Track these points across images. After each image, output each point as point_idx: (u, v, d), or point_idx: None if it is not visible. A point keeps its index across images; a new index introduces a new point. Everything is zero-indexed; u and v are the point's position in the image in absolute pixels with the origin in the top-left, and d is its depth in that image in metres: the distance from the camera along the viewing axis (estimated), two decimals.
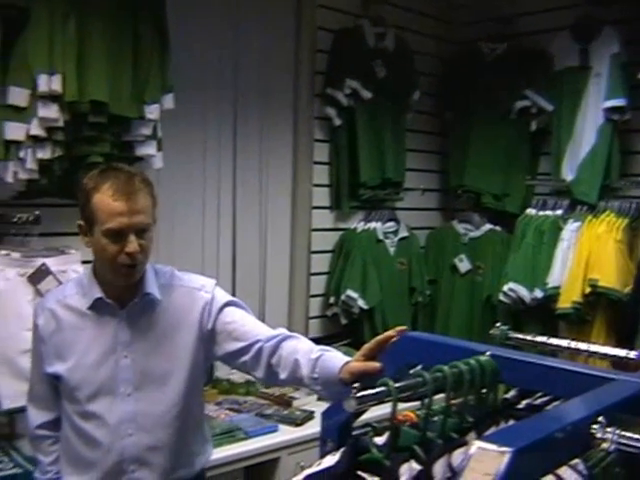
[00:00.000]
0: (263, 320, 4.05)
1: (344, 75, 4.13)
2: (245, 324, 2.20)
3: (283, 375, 2.08)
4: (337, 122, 4.20)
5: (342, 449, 1.47)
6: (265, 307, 4.08)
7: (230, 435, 3.13)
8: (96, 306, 2.17)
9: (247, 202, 3.98)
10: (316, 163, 4.24)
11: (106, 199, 2.03)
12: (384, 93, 4.29)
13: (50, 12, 2.78)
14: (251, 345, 2.13)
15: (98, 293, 2.16)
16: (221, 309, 2.21)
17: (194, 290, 2.23)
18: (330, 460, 1.52)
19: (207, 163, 3.78)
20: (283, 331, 2.15)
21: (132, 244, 2.04)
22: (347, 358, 1.92)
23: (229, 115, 3.87)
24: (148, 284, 2.17)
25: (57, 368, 2.20)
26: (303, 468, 1.60)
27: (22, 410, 2.79)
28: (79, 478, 2.24)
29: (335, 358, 1.94)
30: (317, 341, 4.05)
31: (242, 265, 3.98)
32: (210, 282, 2.28)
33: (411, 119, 4.58)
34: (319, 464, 1.54)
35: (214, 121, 3.80)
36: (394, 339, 1.80)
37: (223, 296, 2.25)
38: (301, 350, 2.04)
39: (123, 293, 2.17)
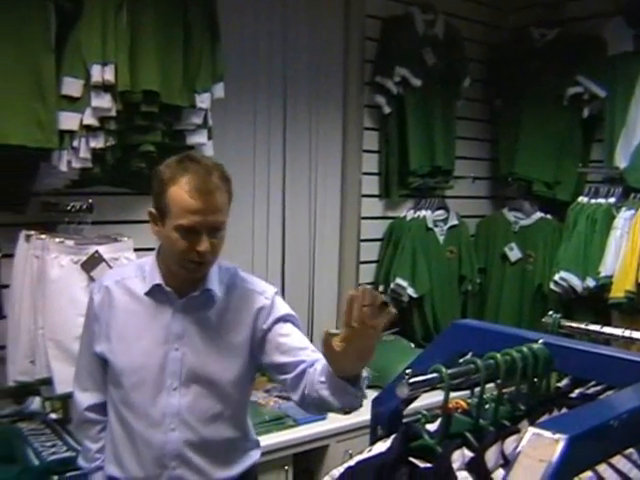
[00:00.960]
0: (312, 309, 4.15)
1: (394, 63, 4.12)
2: (295, 341, 2.14)
3: (315, 397, 2.02)
4: (387, 110, 4.20)
5: (393, 436, 1.47)
6: (314, 295, 4.09)
7: (279, 422, 3.17)
8: (154, 292, 2.14)
9: (296, 190, 4.00)
10: (365, 151, 4.24)
11: (182, 194, 1.97)
12: (434, 80, 4.27)
13: (103, 4, 2.82)
14: (296, 365, 2.08)
15: (158, 279, 2.13)
16: (277, 320, 2.16)
17: (255, 293, 2.19)
18: (381, 447, 1.52)
19: (257, 151, 3.80)
20: None
21: (204, 243, 1.99)
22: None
23: (279, 104, 3.89)
24: (210, 280, 2.13)
25: (105, 349, 2.18)
26: (351, 456, 1.59)
27: None
28: (120, 470, 2.21)
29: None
30: None
31: (291, 253, 4.00)
32: (271, 289, 2.23)
33: (461, 106, 4.55)
34: (369, 451, 1.55)
35: (264, 109, 3.82)
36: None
37: (282, 307, 2.20)
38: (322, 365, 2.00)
39: (184, 284, 2.13)
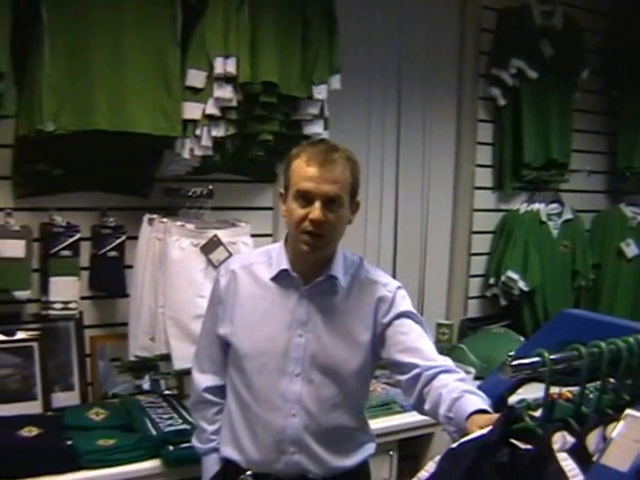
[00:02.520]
0: (422, 300, 4.18)
1: (510, 55, 4.10)
2: (414, 341, 2.15)
3: (427, 406, 2.04)
4: (502, 102, 4.18)
5: (498, 418, 1.52)
6: (425, 286, 4.13)
7: (386, 407, 3.22)
8: (280, 278, 2.19)
9: (409, 182, 4.04)
10: (479, 144, 4.24)
11: (301, 163, 2.08)
12: (551, 72, 4.22)
13: (226, 0, 2.94)
14: (411, 367, 2.09)
15: (285, 265, 2.18)
16: (398, 315, 2.18)
17: (378, 284, 2.21)
18: (483, 431, 1.57)
19: (371, 143, 3.86)
20: (445, 362, 2.11)
21: (316, 211, 2.04)
22: (481, 405, 1.82)
23: (393, 95, 3.93)
24: (335, 267, 2.17)
25: (228, 332, 2.25)
26: None
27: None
28: (238, 453, 2.26)
29: (471, 403, 1.85)
30: (475, 321, 4.13)
31: (403, 244, 4.05)
32: (394, 283, 2.25)
33: (578, 98, 4.48)
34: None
35: (379, 101, 3.88)
36: None
37: (404, 302, 2.22)
38: (448, 387, 1.97)
39: (309, 270, 2.18)
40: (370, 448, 2.35)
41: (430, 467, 1.61)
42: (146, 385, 3.18)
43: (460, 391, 1.92)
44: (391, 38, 3.87)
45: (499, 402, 1.83)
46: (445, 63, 4.09)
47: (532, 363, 1.37)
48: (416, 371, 2.08)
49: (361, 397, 2.30)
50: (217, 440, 2.35)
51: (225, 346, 2.29)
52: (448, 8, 4.07)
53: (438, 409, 1.95)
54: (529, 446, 1.41)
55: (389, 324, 2.17)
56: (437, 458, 1.61)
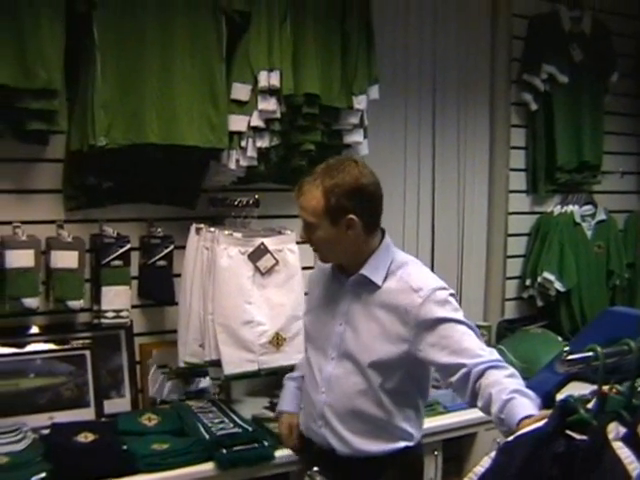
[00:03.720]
0: (460, 302, 4.18)
1: (541, 60, 4.17)
2: (457, 342, 2.20)
3: (479, 403, 2.11)
4: (534, 107, 4.25)
5: (551, 411, 1.58)
6: (462, 289, 4.19)
7: (430, 409, 3.25)
8: (335, 272, 2.46)
9: (445, 186, 4.11)
10: (513, 148, 4.31)
11: None
12: (581, 76, 4.29)
13: (269, 16, 3.04)
14: (458, 367, 2.15)
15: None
16: (434, 322, 2.23)
17: (409, 290, 2.29)
18: (536, 425, 1.63)
19: (407, 149, 3.94)
20: (492, 356, 2.17)
21: (301, 232, 2.41)
22: (531, 409, 1.91)
23: (428, 102, 4.01)
24: (367, 266, 2.35)
25: (305, 318, 2.62)
26: (499, 444, 1.71)
27: (241, 377, 3.09)
28: (302, 412, 2.59)
29: (522, 406, 1.93)
30: (512, 322, 4.16)
31: (440, 247, 4.11)
32: (430, 287, 2.28)
33: (609, 101, 4.53)
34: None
35: (414, 108, 3.96)
36: None
37: (438, 307, 2.25)
38: (498, 386, 2.04)
39: (348, 267, 2.41)
40: (398, 444, 2.40)
41: (485, 462, 1.66)
42: (203, 384, 3.28)
43: (510, 391, 1.99)
44: (426, 47, 3.95)
45: (547, 399, 1.89)
46: (478, 70, 4.16)
47: (585, 357, 1.44)
48: (464, 371, 2.14)
49: (392, 392, 2.35)
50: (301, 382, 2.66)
51: None
52: (480, 17, 4.14)
53: (490, 408, 2.04)
54: (584, 437, 1.47)
55: (424, 328, 2.24)
56: (492, 454, 1.66)
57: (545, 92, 4.23)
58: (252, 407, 3.23)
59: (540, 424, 1.59)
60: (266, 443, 2.79)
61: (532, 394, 2.00)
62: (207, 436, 2.79)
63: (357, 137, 3.32)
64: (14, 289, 2.80)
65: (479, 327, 3.89)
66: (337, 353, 2.39)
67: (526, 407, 1.93)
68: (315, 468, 1.87)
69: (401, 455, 2.40)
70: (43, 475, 2.46)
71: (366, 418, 2.36)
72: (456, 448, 3.38)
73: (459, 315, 2.28)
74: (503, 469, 1.58)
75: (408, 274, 2.34)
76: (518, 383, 2.06)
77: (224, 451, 2.71)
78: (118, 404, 3.13)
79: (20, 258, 2.80)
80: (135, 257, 3.18)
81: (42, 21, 2.65)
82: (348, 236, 2.30)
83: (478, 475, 1.65)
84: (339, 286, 2.43)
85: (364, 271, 2.35)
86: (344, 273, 2.42)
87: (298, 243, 3.12)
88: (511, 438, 1.66)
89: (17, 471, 2.46)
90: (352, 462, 2.38)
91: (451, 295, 2.32)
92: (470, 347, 2.19)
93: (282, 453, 2.82)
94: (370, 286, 2.35)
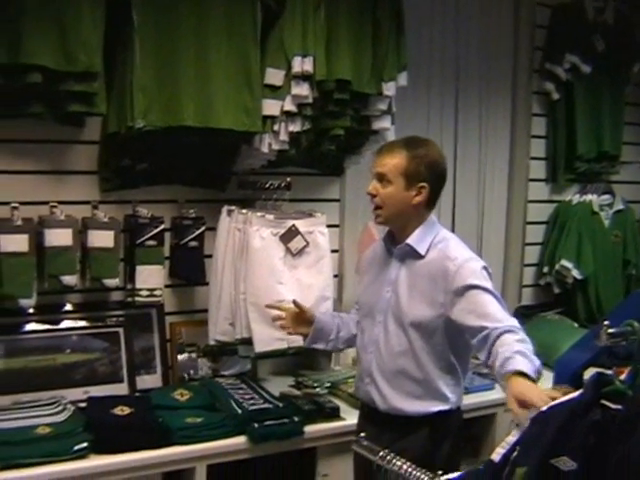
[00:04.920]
0: None
1: (563, 50, 4.23)
2: (482, 306, 2.37)
3: (490, 361, 2.27)
4: (555, 96, 4.31)
5: (587, 381, 1.66)
6: None
7: None
8: (385, 243, 2.64)
9: (466, 174, 4.18)
10: (533, 137, 4.37)
11: None
12: (603, 66, 4.35)
13: (304, 3, 3.10)
14: (480, 329, 2.33)
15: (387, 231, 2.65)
16: (460, 287, 2.41)
17: (446, 258, 2.48)
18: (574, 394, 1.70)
19: (430, 136, 3.91)
20: (511, 323, 2.32)
21: (369, 186, 2.54)
22: (524, 367, 2.07)
23: (451, 90, 4.08)
24: (413, 236, 2.54)
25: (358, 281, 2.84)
26: (517, 426, 1.77)
27: (270, 355, 3.19)
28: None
29: (516, 363, 2.10)
30: (529, 308, 4.23)
31: (460, 234, 4.08)
32: (463, 257, 2.48)
33: (630, 92, 4.58)
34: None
35: (437, 96, 4.03)
36: None
37: (465, 276, 2.42)
38: (506, 346, 2.20)
39: (397, 238, 2.60)
40: (435, 406, 2.54)
41: (516, 432, 1.74)
42: (233, 361, 3.36)
43: (513, 352, 2.16)
44: (449, 36, 4.02)
45: (575, 377, 1.96)
46: (500, 59, 4.23)
47: (624, 331, 1.51)
48: (484, 333, 2.32)
49: (432, 354, 2.52)
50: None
51: None
52: (503, 5, 4.20)
53: (494, 364, 2.21)
54: (619, 406, 1.55)
55: (456, 294, 2.42)
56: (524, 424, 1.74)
57: (567, 81, 4.28)
58: (278, 385, 3.32)
59: (575, 394, 1.66)
60: (296, 419, 2.89)
61: (534, 358, 2.16)
62: (239, 411, 2.88)
63: (385, 123, 3.38)
64: (53, 267, 2.88)
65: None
66: (383, 317, 2.58)
67: (519, 364, 2.09)
68: (362, 434, 1.94)
69: (433, 418, 2.54)
70: (85, 445, 2.57)
71: (407, 377, 2.54)
72: (475, 428, 3.43)
73: (487, 284, 2.44)
74: (537, 437, 1.65)
75: (447, 247, 2.53)
76: (525, 347, 2.20)
77: (256, 425, 2.81)
78: (150, 380, 3.22)
79: (59, 237, 2.88)
80: (167, 238, 3.26)
81: (84, 7, 2.72)
82: (413, 202, 2.50)
83: (510, 444, 1.72)
84: (388, 256, 2.62)
85: (410, 241, 2.53)
86: (393, 243, 2.60)
87: (328, 227, 3.20)
88: (545, 408, 1.73)
89: (60, 440, 2.57)
90: (389, 418, 2.56)
91: (483, 268, 2.49)
92: (492, 313, 2.36)
93: (311, 429, 2.92)
94: (414, 255, 2.54)
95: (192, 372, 3.32)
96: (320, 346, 2.83)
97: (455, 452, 2.59)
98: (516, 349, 2.17)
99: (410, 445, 2.43)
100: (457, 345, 2.53)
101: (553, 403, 1.72)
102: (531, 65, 4.30)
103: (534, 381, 2.06)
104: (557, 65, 4.23)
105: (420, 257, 2.53)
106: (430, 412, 2.53)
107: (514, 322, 2.34)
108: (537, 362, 2.14)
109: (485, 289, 2.41)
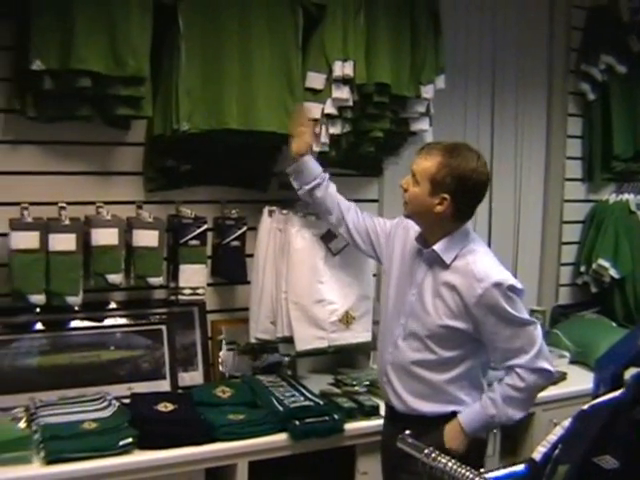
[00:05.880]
0: None
1: (599, 51, 4.24)
2: (494, 341, 2.47)
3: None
4: (591, 97, 4.32)
5: (628, 381, 1.69)
6: (517, 274, 4.24)
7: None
8: (418, 240, 2.59)
9: (503, 173, 4.20)
10: (569, 137, 4.39)
11: None
12: (638, 67, 4.34)
13: (344, 7, 3.15)
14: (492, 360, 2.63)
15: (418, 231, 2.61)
16: (481, 314, 2.43)
17: (473, 277, 2.43)
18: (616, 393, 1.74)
19: (467, 137, 3.99)
20: (521, 360, 2.45)
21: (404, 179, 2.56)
22: (468, 418, 2.52)
23: (487, 91, 4.13)
24: (440, 244, 2.50)
25: (385, 268, 2.80)
26: (556, 425, 1.80)
27: (311, 353, 3.23)
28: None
29: (470, 413, 2.53)
30: (566, 308, 4.24)
31: (497, 234, 4.21)
32: (491, 281, 2.42)
33: None
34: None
35: (474, 97, 4.08)
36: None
37: (490, 303, 2.42)
38: (497, 387, 2.52)
39: (426, 241, 2.56)
40: (453, 407, 2.56)
41: (558, 431, 1.76)
42: (273, 359, 3.42)
43: (486, 397, 2.50)
44: (486, 38, 4.06)
45: (616, 376, 1.99)
46: (536, 60, 4.26)
47: None
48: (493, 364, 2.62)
49: (448, 360, 2.53)
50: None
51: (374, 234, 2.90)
52: (539, 8, 4.24)
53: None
54: None
55: (479, 317, 2.44)
56: (565, 423, 1.76)
57: (603, 82, 4.29)
58: (317, 383, 3.36)
59: (617, 393, 1.70)
60: (336, 417, 2.93)
61: (496, 413, 2.48)
62: (280, 408, 2.92)
63: (423, 125, 3.42)
64: (99, 265, 2.95)
65: (534, 311, 4.04)
66: (405, 320, 2.58)
67: (470, 414, 2.51)
68: (407, 432, 1.98)
69: (450, 417, 2.55)
70: (130, 440, 2.62)
71: (421, 380, 2.56)
72: (513, 428, 3.45)
73: (513, 310, 2.44)
74: (580, 434, 1.68)
75: (474, 261, 2.48)
76: (500, 392, 2.47)
77: (297, 423, 2.85)
78: (191, 377, 3.28)
79: (105, 236, 2.95)
80: (209, 237, 3.31)
81: (132, 13, 2.79)
82: (435, 210, 2.46)
83: (551, 442, 1.75)
84: (418, 256, 2.60)
85: (436, 247, 2.50)
86: (424, 244, 2.56)
87: None
88: (586, 407, 1.76)
89: (106, 435, 2.62)
90: (406, 419, 2.54)
91: (509, 289, 2.44)
92: (508, 349, 2.47)
93: (350, 427, 2.96)
94: (440, 263, 2.51)
95: (233, 370, 3.37)
96: (295, 183, 2.98)
97: (473, 450, 2.57)
98: (490, 395, 2.48)
99: (426, 443, 2.48)
100: (474, 352, 2.55)
101: (594, 402, 1.75)
102: (567, 66, 4.32)
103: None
104: (592, 66, 4.25)
105: (446, 266, 2.49)
106: (445, 412, 2.56)
107: (525, 358, 2.44)
108: (494, 420, 2.50)
109: (508, 319, 2.43)
